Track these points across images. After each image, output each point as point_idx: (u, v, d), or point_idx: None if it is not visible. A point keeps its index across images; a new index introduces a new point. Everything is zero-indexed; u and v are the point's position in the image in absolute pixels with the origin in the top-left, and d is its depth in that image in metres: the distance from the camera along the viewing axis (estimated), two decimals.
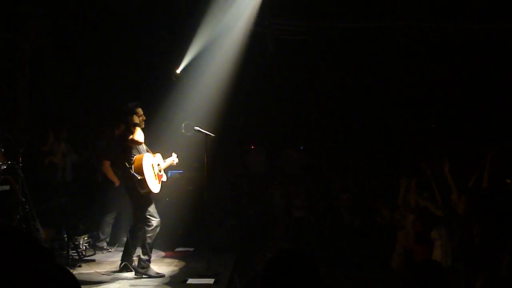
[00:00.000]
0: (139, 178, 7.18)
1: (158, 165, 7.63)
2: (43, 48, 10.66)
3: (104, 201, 9.47)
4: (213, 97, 11.09)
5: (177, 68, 11.22)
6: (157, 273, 7.48)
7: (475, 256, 6.08)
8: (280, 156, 13.44)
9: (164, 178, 7.75)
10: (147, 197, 7.37)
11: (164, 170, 7.81)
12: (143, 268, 7.36)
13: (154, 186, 7.37)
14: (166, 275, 7.50)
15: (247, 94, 12.53)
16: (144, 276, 7.32)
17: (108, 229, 9.42)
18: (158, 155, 7.74)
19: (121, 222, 9.55)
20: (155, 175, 7.47)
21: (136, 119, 7.41)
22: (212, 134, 7.81)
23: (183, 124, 10.43)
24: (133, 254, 7.58)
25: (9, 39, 9.88)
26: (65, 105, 11.03)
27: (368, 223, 10.14)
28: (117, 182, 9.25)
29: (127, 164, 7.25)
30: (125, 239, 9.28)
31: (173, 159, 7.89)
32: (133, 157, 7.29)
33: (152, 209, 7.43)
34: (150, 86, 11.25)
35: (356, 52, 11.91)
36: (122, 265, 7.54)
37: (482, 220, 6.24)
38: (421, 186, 7.85)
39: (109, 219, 9.42)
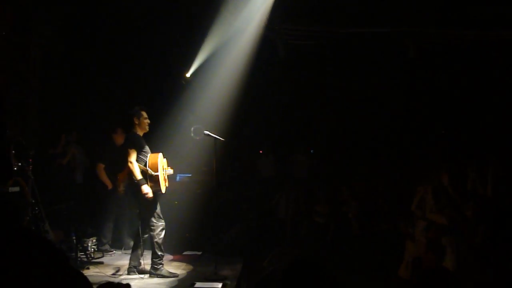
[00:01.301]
0: (153, 174, 7.28)
1: (166, 169, 7.70)
2: (54, 52, 10.71)
3: (101, 205, 9.51)
4: (222, 101, 11.11)
5: (187, 71, 11.26)
6: (170, 272, 7.57)
7: (481, 257, 6.09)
8: (289, 160, 13.44)
9: (167, 184, 7.80)
10: (155, 198, 7.42)
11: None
12: (156, 269, 7.44)
13: (163, 186, 7.47)
14: (173, 279, 7.51)
15: (256, 98, 12.54)
16: (158, 276, 7.38)
17: (109, 233, 9.44)
18: (165, 160, 7.79)
19: (121, 224, 9.58)
20: (164, 177, 7.57)
21: (136, 121, 7.51)
22: (222, 138, 7.82)
23: (192, 128, 10.45)
24: (141, 256, 7.61)
25: (20, 42, 9.93)
26: (76, 108, 11.07)
27: (377, 231, 10.11)
28: (109, 185, 9.30)
29: (139, 161, 7.33)
30: (128, 241, 9.37)
31: (170, 172, 7.96)
32: (146, 155, 7.41)
33: (158, 210, 7.50)
34: (160, 90, 11.29)
35: (365, 58, 11.90)
36: (129, 268, 7.58)
37: (488, 223, 6.26)
38: (437, 194, 7.83)
39: (108, 223, 9.44)
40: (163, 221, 7.54)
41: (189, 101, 10.91)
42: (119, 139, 9.31)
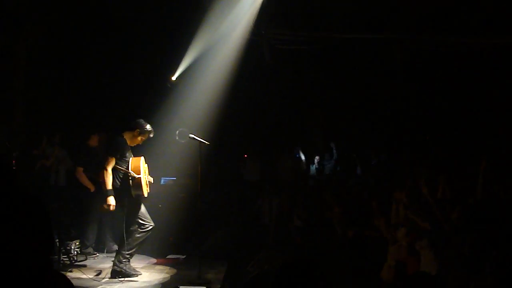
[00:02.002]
0: (136, 176, 7.27)
1: (146, 173, 7.68)
2: (40, 53, 10.65)
3: (84, 208, 9.45)
4: (208, 104, 11.11)
5: (173, 75, 11.24)
6: (134, 269, 7.52)
7: (466, 265, 6.14)
8: (274, 164, 13.45)
9: (148, 189, 7.77)
10: (138, 201, 7.40)
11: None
12: (121, 262, 7.38)
13: (145, 189, 7.45)
14: (157, 282, 7.49)
15: (242, 102, 12.56)
16: (122, 269, 7.33)
17: (92, 236, 9.38)
18: (146, 166, 7.77)
19: (104, 227, 9.53)
20: (146, 181, 7.53)
21: (136, 133, 7.55)
22: (207, 142, 7.81)
23: (177, 131, 10.41)
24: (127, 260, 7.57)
25: (5, 42, 9.87)
26: (60, 110, 11.00)
27: (361, 236, 10.14)
28: (92, 188, 9.25)
29: (118, 167, 7.30)
30: (111, 244, 9.34)
31: (151, 180, 7.96)
32: (123, 160, 7.37)
33: (144, 213, 7.47)
34: (146, 92, 11.26)
35: (351, 63, 11.97)
36: (113, 271, 7.53)
37: (475, 230, 6.31)
38: (411, 199, 7.91)
39: (92, 225, 9.39)
40: (150, 223, 7.50)
41: (174, 104, 10.88)
42: (93, 142, 9.36)
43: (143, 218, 7.45)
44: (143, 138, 7.66)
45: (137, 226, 7.40)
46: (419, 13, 10.14)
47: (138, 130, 7.57)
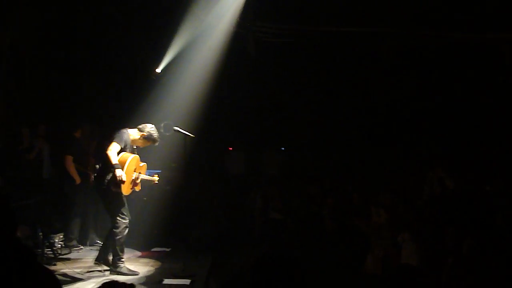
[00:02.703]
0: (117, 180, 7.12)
1: (139, 173, 7.58)
2: (21, 45, 10.53)
3: (68, 200, 9.39)
4: (193, 97, 11.07)
5: (158, 67, 11.19)
6: (130, 270, 7.47)
7: (447, 258, 6.23)
8: (259, 157, 13.47)
9: (138, 189, 7.68)
10: (121, 196, 7.31)
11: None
12: (116, 266, 7.35)
13: (126, 188, 7.31)
14: (142, 275, 7.47)
15: (227, 95, 12.54)
16: (118, 273, 7.29)
17: (76, 229, 9.33)
18: (144, 165, 7.68)
19: (88, 220, 9.49)
20: (132, 180, 7.41)
21: (143, 135, 7.47)
22: (192, 135, 7.78)
23: (162, 124, 10.37)
24: (110, 253, 7.52)
25: None
26: (44, 102, 10.89)
27: (349, 228, 10.20)
28: (78, 180, 9.19)
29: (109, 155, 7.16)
30: (93, 236, 9.31)
31: (154, 179, 7.90)
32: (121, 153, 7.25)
33: (125, 210, 7.41)
34: (130, 85, 11.19)
35: (337, 56, 11.98)
36: (96, 263, 7.49)
37: (455, 223, 6.40)
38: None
39: (76, 218, 9.33)
40: (127, 219, 7.43)
41: (159, 97, 10.83)
42: (79, 133, 9.36)
43: (121, 214, 7.38)
44: (146, 144, 7.59)
45: (116, 221, 7.34)
46: (408, 6, 10.15)
47: (145, 135, 7.51)
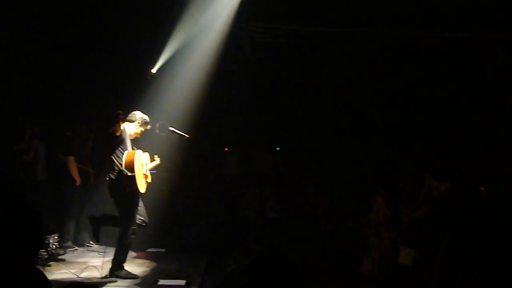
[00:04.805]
0: (129, 174, 7.07)
1: (146, 164, 7.57)
2: (14, 44, 10.47)
3: (64, 201, 9.38)
4: (188, 97, 11.06)
5: (153, 67, 11.17)
6: (129, 273, 7.41)
7: (444, 259, 6.25)
8: (254, 158, 13.46)
9: (149, 180, 7.67)
10: (134, 197, 7.25)
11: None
12: (115, 270, 7.30)
13: (142, 185, 7.28)
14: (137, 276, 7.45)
15: (222, 95, 12.52)
16: (117, 277, 7.25)
17: (72, 230, 9.34)
18: (146, 155, 7.65)
19: (82, 221, 9.47)
20: (143, 175, 7.38)
21: (137, 125, 7.45)
22: (187, 135, 7.76)
23: (157, 124, 10.36)
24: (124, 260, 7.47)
25: None
26: (39, 103, 10.85)
27: (344, 228, 10.22)
28: (78, 181, 9.19)
29: (115, 160, 7.13)
30: (87, 236, 9.32)
31: (157, 162, 7.87)
32: (122, 152, 7.17)
33: (142, 210, 7.37)
34: (125, 85, 11.15)
35: (331, 56, 11.96)
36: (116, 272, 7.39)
37: (450, 225, 6.42)
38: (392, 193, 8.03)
39: (72, 219, 9.33)
40: (139, 222, 7.39)
41: (155, 97, 10.80)
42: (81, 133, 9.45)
43: (140, 218, 7.35)
44: (142, 130, 7.56)
45: (135, 225, 7.29)
46: (400, 7, 10.16)
47: (139, 122, 7.47)
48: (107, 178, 7.21)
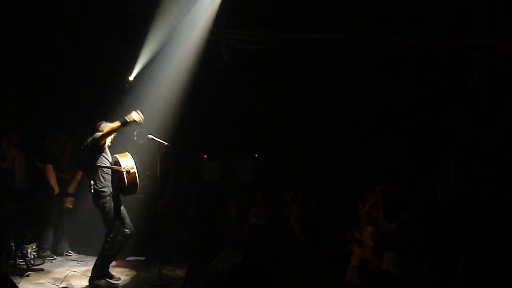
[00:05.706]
0: (131, 171, 7.23)
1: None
2: None
3: (42, 210, 9.31)
4: (166, 104, 11.02)
5: (130, 74, 11.12)
6: (109, 283, 7.37)
7: (422, 261, 6.29)
8: (234, 165, 13.47)
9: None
10: (120, 203, 7.31)
11: None
12: (95, 279, 7.25)
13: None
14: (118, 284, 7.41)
15: (201, 102, 12.50)
16: (97, 286, 7.20)
17: (50, 239, 9.26)
18: (124, 154, 7.67)
19: (61, 230, 9.40)
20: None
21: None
22: (166, 143, 7.75)
23: (135, 132, 10.30)
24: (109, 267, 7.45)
25: None
26: (17, 111, 10.75)
27: (318, 235, 10.24)
28: (56, 189, 9.12)
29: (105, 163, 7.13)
30: (66, 245, 9.24)
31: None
32: (107, 158, 7.32)
33: (125, 213, 7.40)
34: (103, 92, 11.09)
35: (310, 63, 12.01)
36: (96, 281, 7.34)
37: (428, 227, 6.47)
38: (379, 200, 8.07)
39: (50, 228, 9.25)
40: (131, 228, 7.42)
41: (133, 104, 10.74)
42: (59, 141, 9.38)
43: (124, 217, 7.35)
44: (111, 137, 7.56)
45: (118, 224, 7.28)
46: (380, 12, 10.23)
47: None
48: (93, 187, 7.21)
